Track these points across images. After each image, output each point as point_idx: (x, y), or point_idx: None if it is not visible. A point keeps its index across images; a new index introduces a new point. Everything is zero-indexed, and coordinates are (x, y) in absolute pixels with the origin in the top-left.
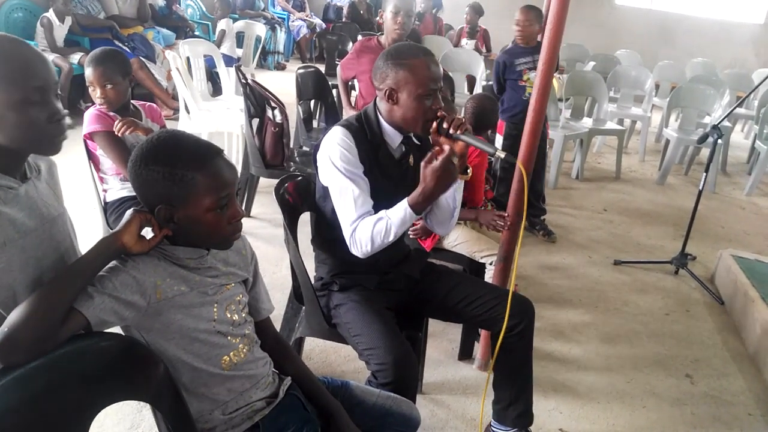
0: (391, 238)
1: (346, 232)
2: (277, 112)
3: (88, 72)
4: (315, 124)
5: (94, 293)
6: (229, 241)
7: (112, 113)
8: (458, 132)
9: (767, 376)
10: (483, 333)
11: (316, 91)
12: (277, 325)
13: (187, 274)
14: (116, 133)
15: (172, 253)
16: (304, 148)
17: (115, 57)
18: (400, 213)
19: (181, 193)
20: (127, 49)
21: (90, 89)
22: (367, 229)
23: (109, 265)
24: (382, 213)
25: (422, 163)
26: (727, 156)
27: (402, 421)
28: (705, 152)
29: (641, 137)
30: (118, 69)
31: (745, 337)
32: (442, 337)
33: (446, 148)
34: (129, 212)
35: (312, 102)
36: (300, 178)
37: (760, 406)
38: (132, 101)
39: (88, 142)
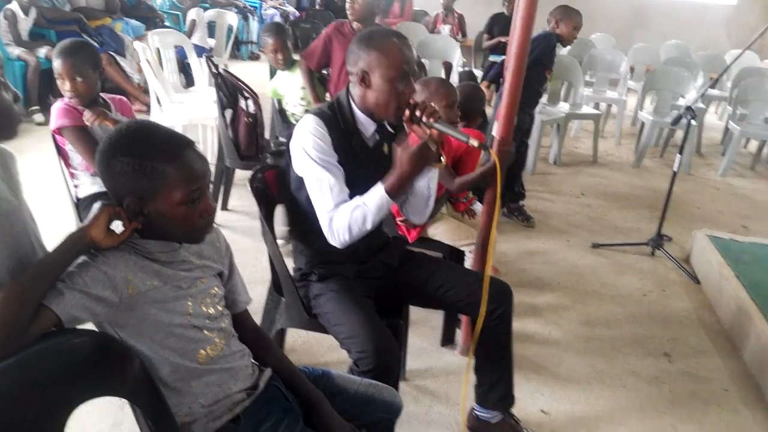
0: (369, 226)
1: (323, 222)
2: (250, 102)
3: (57, 64)
4: None
5: (64, 289)
6: (201, 234)
7: (80, 107)
8: (431, 120)
9: (742, 352)
10: (464, 318)
11: None
12: (258, 318)
13: (160, 268)
14: (86, 123)
15: (143, 247)
16: (281, 139)
17: (84, 48)
18: (376, 200)
19: (151, 186)
20: (96, 44)
21: (59, 82)
22: (344, 217)
23: (78, 260)
24: (358, 200)
25: (395, 146)
26: (701, 138)
27: (384, 407)
28: (680, 134)
29: (617, 121)
30: (88, 61)
31: (720, 315)
32: (424, 324)
33: (427, 132)
34: (96, 205)
35: None
36: (274, 168)
37: (735, 382)
38: (101, 94)
39: (57, 137)
